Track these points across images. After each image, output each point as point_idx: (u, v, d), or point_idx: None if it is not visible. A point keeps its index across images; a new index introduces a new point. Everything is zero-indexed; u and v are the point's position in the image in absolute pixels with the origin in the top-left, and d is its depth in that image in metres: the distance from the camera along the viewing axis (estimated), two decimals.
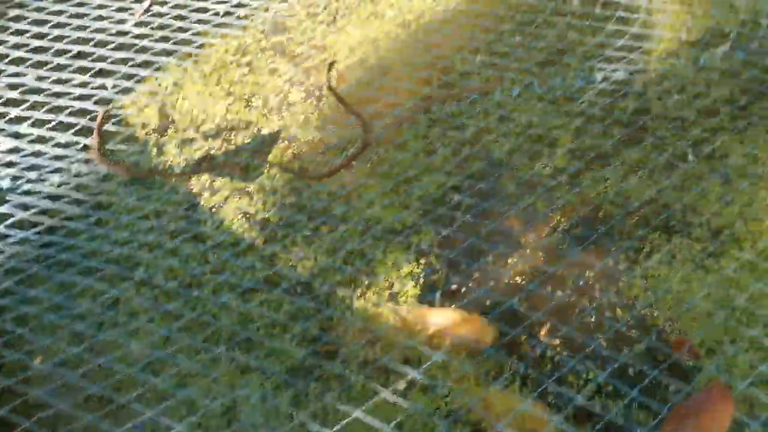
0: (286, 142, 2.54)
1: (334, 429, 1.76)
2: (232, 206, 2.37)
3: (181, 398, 1.93)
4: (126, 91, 2.69)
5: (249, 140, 2.56)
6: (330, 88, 2.56)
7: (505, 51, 2.70)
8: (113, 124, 2.61)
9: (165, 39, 2.82)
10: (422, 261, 2.18)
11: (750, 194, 2.33)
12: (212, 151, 2.53)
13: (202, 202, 2.38)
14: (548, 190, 2.32)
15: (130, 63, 2.77)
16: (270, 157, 2.50)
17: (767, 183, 2.38)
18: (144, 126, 2.62)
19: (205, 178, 2.44)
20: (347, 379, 1.93)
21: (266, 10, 2.92)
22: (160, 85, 2.74)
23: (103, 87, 2.70)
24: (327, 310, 2.07)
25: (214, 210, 2.36)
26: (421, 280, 2.14)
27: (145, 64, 2.78)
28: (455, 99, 2.58)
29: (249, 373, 1.97)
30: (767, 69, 2.60)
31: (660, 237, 2.20)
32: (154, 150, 2.54)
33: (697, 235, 2.22)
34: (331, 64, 2.61)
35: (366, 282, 2.15)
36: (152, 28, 2.87)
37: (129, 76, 2.73)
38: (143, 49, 2.80)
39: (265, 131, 2.58)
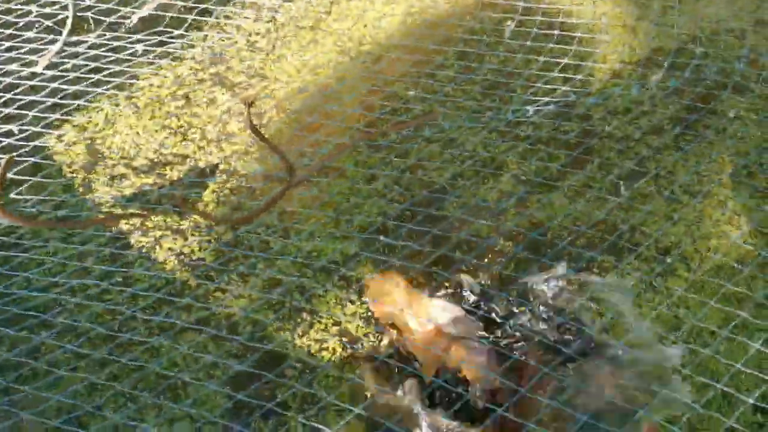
0: (225, 175, 2.44)
1: None
2: (165, 247, 2.25)
3: None
4: (36, 135, 2.52)
5: (184, 175, 2.45)
6: (252, 128, 2.39)
7: (446, 80, 2.67)
8: (32, 166, 2.45)
9: (78, 80, 2.63)
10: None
11: (697, 212, 2.32)
12: (145, 188, 2.41)
13: (132, 243, 2.25)
14: (495, 214, 2.26)
15: (39, 107, 2.58)
16: (206, 193, 2.38)
17: (713, 201, 2.37)
18: (70, 165, 2.49)
19: (135, 221, 2.31)
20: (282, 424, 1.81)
21: (192, 47, 2.85)
22: (90, 121, 2.62)
23: (9, 133, 2.52)
24: (264, 349, 1.95)
25: (145, 251, 2.23)
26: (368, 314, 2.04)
27: (56, 107, 2.59)
28: (397, 127, 2.52)
29: (179, 420, 1.84)
30: (703, 96, 2.63)
31: (609, 258, 2.16)
32: (80, 190, 2.40)
33: (646, 256, 2.18)
34: (250, 104, 2.44)
35: (308, 319, 2.04)
36: (65, 70, 2.70)
37: (38, 120, 2.56)
38: (55, 92, 2.61)
39: (202, 164, 2.47)
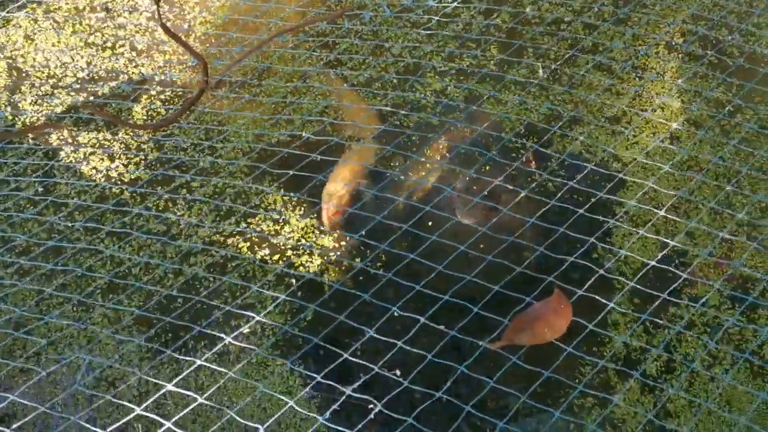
0: (157, 87, 2.40)
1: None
2: (97, 162, 2.24)
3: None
4: None
5: (117, 90, 2.40)
6: (164, 27, 2.28)
7: None
8: None
9: None
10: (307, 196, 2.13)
11: (638, 84, 2.34)
12: (77, 105, 2.37)
13: (62, 162, 2.24)
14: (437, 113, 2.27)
15: None
16: (136, 105, 2.36)
17: (652, 73, 2.38)
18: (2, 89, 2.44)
19: (66, 135, 2.29)
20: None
21: None
22: (9, 39, 2.54)
23: None
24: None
25: (75, 169, 2.23)
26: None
27: None
28: (324, 18, 2.47)
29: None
30: None
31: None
32: (8, 110, 2.37)
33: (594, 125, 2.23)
34: (157, 0, 2.32)
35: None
36: None
37: None
38: None
39: (135, 77, 2.42)
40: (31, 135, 2.28)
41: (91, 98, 2.38)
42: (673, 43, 2.41)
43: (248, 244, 2.06)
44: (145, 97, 2.37)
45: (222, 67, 2.32)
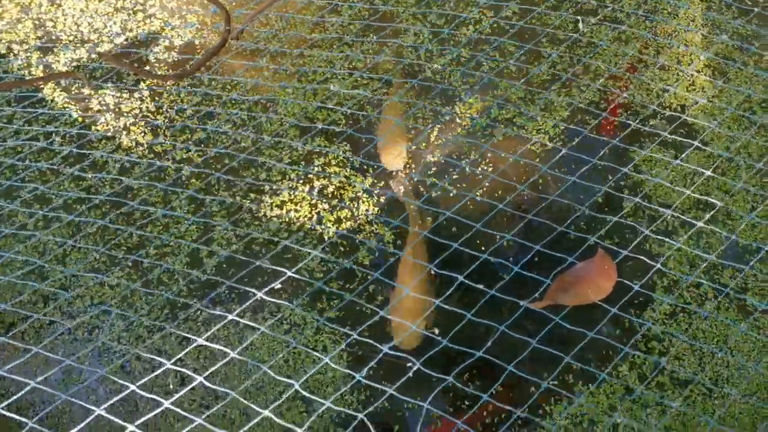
0: (197, 47, 2.35)
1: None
2: (138, 123, 2.20)
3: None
4: None
5: (160, 52, 2.35)
6: None
7: None
8: None
9: None
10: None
11: (640, 39, 2.30)
12: (99, 57, 2.32)
13: (99, 124, 2.20)
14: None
15: None
16: (160, 60, 2.31)
17: (663, 14, 2.34)
18: (23, 43, 2.42)
19: (106, 96, 2.25)
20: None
21: None
22: (32, 2, 2.52)
23: None
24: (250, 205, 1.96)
25: (110, 130, 2.19)
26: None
27: None
28: None
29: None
30: None
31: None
32: (39, 69, 2.34)
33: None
34: None
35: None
36: None
37: None
38: None
39: (177, 42, 2.37)
40: (56, 90, 2.25)
41: (113, 51, 2.35)
42: None
43: (280, 200, 2.01)
44: (166, 49, 2.35)
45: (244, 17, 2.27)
